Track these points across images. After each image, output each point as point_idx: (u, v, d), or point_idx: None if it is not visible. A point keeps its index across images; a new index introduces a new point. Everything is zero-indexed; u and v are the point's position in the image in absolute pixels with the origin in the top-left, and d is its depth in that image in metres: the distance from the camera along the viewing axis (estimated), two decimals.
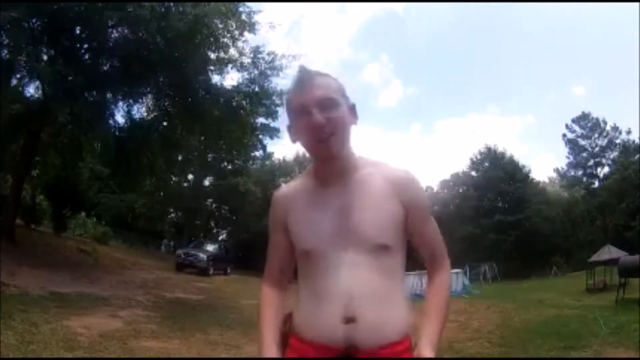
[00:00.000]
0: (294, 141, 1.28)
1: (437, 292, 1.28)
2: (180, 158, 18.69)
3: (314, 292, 1.20)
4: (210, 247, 21.97)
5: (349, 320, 1.14)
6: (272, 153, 41.72)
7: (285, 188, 1.39)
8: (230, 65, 13.44)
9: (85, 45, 12.64)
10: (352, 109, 1.25)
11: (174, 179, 26.01)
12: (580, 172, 44.05)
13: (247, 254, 37.89)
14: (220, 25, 12.27)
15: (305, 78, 1.20)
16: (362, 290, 1.16)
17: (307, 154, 1.29)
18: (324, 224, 1.21)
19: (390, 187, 1.23)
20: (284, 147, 68.31)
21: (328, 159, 1.22)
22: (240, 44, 13.19)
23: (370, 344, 1.14)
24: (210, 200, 36.85)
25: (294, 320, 1.27)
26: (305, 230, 1.25)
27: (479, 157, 45.85)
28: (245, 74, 13.71)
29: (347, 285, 1.16)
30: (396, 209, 1.22)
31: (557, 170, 47.81)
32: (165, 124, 14.67)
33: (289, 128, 1.27)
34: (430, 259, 1.33)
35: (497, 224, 39.50)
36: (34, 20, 11.11)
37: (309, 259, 1.23)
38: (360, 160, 1.28)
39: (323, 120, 1.15)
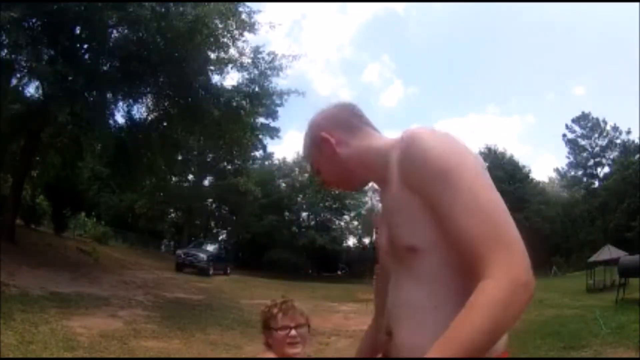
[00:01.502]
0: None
1: (471, 304, 0.81)
2: (180, 158, 18.68)
3: None
4: (210, 247, 21.97)
5: (388, 333, 1.04)
6: (272, 153, 41.82)
7: None
8: (230, 65, 13.43)
9: (85, 45, 12.64)
10: (325, 142, 1.14)
11: (174, 179, 26.00)
12: (580, 172, 44.07)
13: (247, 254, 37.97)
14: (220, 25, 12.26)
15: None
16: (397, 302, 1.01)
17: None
18: (380, 235, 1.14)
19: (397, 168, 0.98)
20: (284, 147, 68.61)
21: (357, 190, 1.30)
22: (240, 44, 13.19)
23: None
24: (210, 200, 36.85)
25: None
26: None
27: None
28: (245, 74, 13.71)
29: (390, 296, 1.06)
30: (408, 196, 0.94)
31: (557, 170, 47.90)
32: (165, 124, 14.66)
33: None
34: (469, 261, 0.85)
35: None
36: (34, 20, 11.10)
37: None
38: (387, 148, 1.05)
39: (321, 181, 1.22)
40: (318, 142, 1.15)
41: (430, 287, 0.93)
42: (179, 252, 20.83)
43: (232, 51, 13.17)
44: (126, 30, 12.24)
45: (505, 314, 0.80)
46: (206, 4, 11.58)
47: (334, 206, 42.58)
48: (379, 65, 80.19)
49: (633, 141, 40.29)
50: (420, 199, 0.92)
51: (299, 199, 42.58)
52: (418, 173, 0.91)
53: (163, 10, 11.14)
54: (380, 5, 76.06)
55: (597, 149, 42.72)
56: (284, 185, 42.26)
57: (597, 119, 42.81)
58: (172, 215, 37.80)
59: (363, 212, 43.78)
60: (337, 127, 1.15)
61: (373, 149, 1.10)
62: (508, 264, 0.82)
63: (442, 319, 0.86)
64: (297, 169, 43.26)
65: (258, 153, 32.74)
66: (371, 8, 68.94)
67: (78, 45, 12.37)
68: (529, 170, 45.01)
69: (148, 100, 14.39)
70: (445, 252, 0.91)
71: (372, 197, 45.62)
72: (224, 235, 40.89)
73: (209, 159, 32.21)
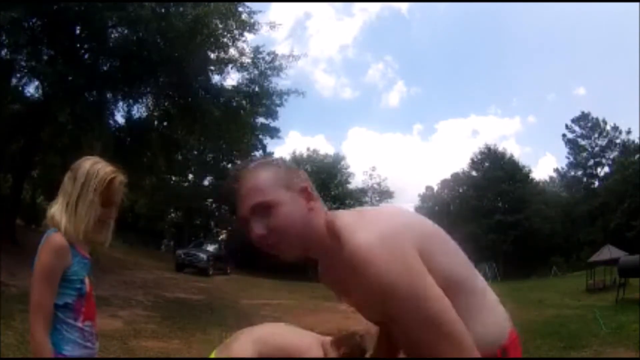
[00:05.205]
0: None
1: None
2: (180, 158, 18.69)
3: None
4: (210, 247, 21.99)
5: None
6: (272, 153, 41.80)
7: None
8: (230, 65, 13.44)
9: (85, 45, 12.63)
10: (303, 192, 1.07)
11: (174, 178, 25.99)
12: (580, 172, 44.06)
13: (247, 254, 37.90)
14: (220, 25, 12.27)
15: (235, 188, 1.07)
16: None
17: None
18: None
19: (347, 276, 1.06)
20: (284, 147, 68.63)
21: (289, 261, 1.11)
22: (240, 44, 13.20)
23: None
24: (210, 200, 36.83)
25: None
26: None
27: (479, 157, 45.86)
28: (245, 74, 13.72)
29: None
30: (366, 297, 1.07)
31: (557, 170, 47.89)
32: (165, 124, 14.68)
33: None
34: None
35: (497, 224, 39.48)
36: (34, 20, 11.09)
37: None
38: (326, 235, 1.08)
39: (263, 232, 1.04)
40: (295, 188, 1.06)
41: None
42: (179, 252, 20.83)
43: (232, 51, 13.19)
44: (126, 30, 12.22)
45: None
46: (206, 4, 11.58)
47: (334, 206, 42.50)
48: (382, 65, 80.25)
49: (633, 141, 40.33)
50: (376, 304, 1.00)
51: None
52: (370, 295, 0.97)
53: (163, 10, 11.14)
54: (384, 6, 76.09)
55: (597, 149, 42.72)
56: None
57: (597, 119, 42.84)
58: (172, 215, 37.79)
59: None
60: (311, 188, 1.10)
61: (323, 228, 1.07)
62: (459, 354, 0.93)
63: None
64: None
65: (258, 153, 32.70)
66: (375, 8, 68.88)
67: (78, 45, 12.37)
68: (529, 170, 45.10)
69: (148, 100, 14.39)
70: None
71: (372, 197, 45.65)
72: (224, 235, 40.85)
73: (209, 159, 32.20)
